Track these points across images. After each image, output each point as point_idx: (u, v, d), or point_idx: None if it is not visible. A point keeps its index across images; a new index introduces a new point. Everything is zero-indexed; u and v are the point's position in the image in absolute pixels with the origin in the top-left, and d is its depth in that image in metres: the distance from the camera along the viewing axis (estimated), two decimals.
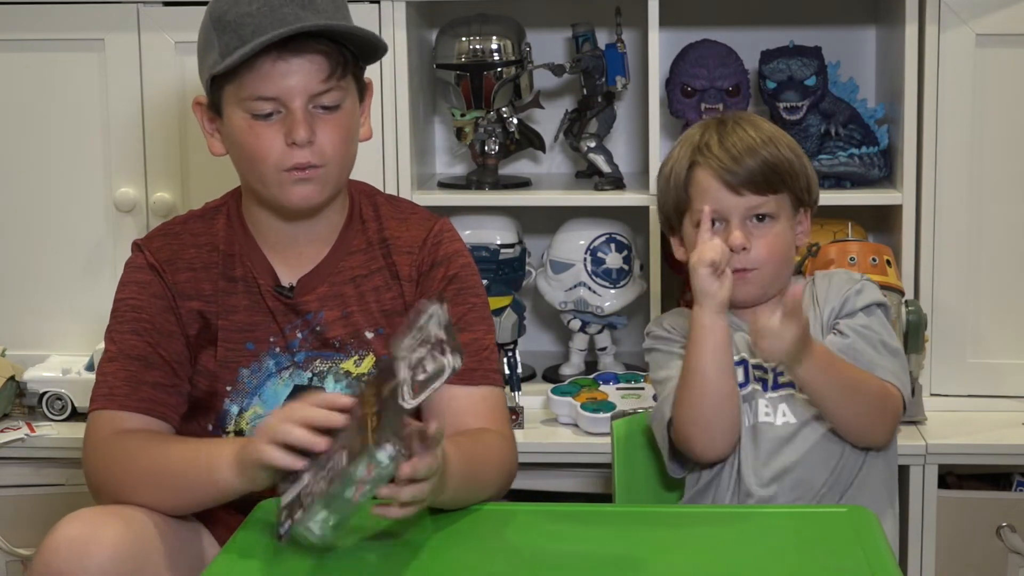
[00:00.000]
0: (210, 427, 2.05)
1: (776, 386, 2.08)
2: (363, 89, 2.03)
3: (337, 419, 1.72)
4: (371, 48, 1.99)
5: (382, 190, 2.59)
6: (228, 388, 2.03)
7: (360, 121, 2.04)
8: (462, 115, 2.77)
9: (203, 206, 2.11)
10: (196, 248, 2.05)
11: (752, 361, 2.09)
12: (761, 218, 2.07)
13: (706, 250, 2.02)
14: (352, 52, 1.97)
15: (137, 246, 2.06)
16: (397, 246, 2.06)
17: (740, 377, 2.07)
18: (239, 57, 1.89)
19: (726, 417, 2.04)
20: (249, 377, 2.03)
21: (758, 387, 2.08)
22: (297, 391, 2.01)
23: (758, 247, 2.06)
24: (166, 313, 2.02)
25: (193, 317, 2.03)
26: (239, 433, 2.04)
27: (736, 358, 2.07)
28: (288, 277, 2.04)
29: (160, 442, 1.93)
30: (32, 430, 2.60)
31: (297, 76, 1.92)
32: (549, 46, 2.88)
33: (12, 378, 2.67)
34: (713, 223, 2.06)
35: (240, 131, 1.96)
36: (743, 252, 2.05)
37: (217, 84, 1.96)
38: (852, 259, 2.51)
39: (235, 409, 2.04)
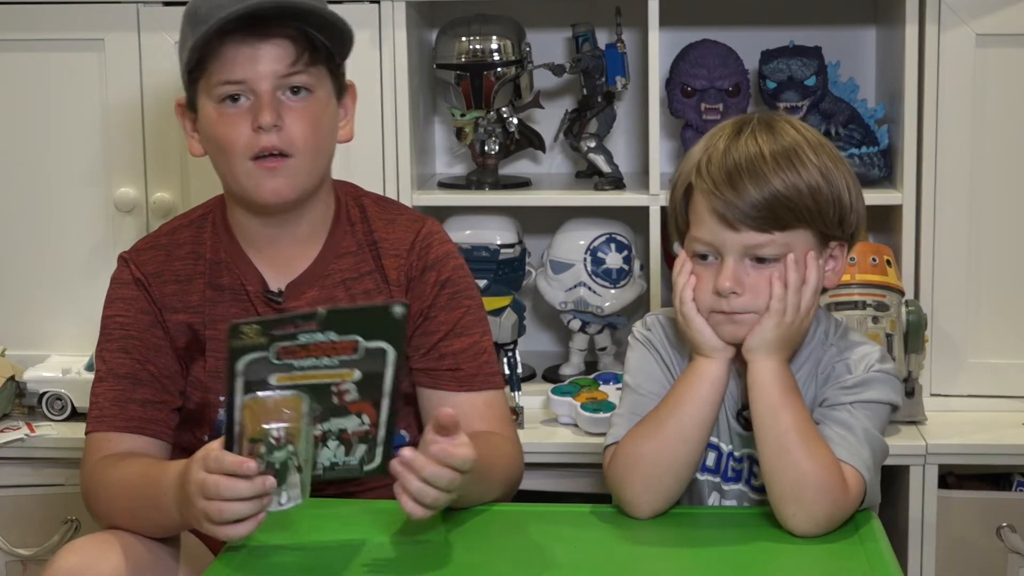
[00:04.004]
0: (206, 438, 2.05)
1: (738, 478, 1.90)
2: (343, 88, 2.02)
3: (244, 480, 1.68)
4: (339, 35, 1.97)
5: (381, 190, 2.61)
6: (221, 398, 2.03)
7: (341, 122, 2.02)
8: (462, 115, 2.77)
9: (188, 213, 2.10)
10: (182, 260, 2.04)
11: (727, 449, 1.89)
12: (762, 259, 1.80)
13: (685, 299, 1.81)
14: (326, 44, 1.96)
15: (123, 260, 2.05)
16: (385, 248, 2.04)
17: (710, 461, 1.89)
18: (199, 38, 1.90)
19: (679, 483, 1.84)
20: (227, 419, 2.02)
21: (718, 480, 1.90)
22: None
23: (754, 291, 1.80)
24: (154, 328, 2.01)
25: (181, 330, 2.02)
26: (227, 440, 2.02)
27: (711, 439, 1.87)
28: (276, 282, 2.03)
29: (132, 467, 1.91)
30: (32, 430, 2.60)
31: (263, 60, 1.92)
32: (549, 46, 2.88)
33: (12, 378, 2.67)
34: (706, 256, 1.82)
35: (211, 121, 1.96)
36: (733, 296, 1.80)
37: (192, 80, 1.97)
38: (852, 259, 2.50)
39: None
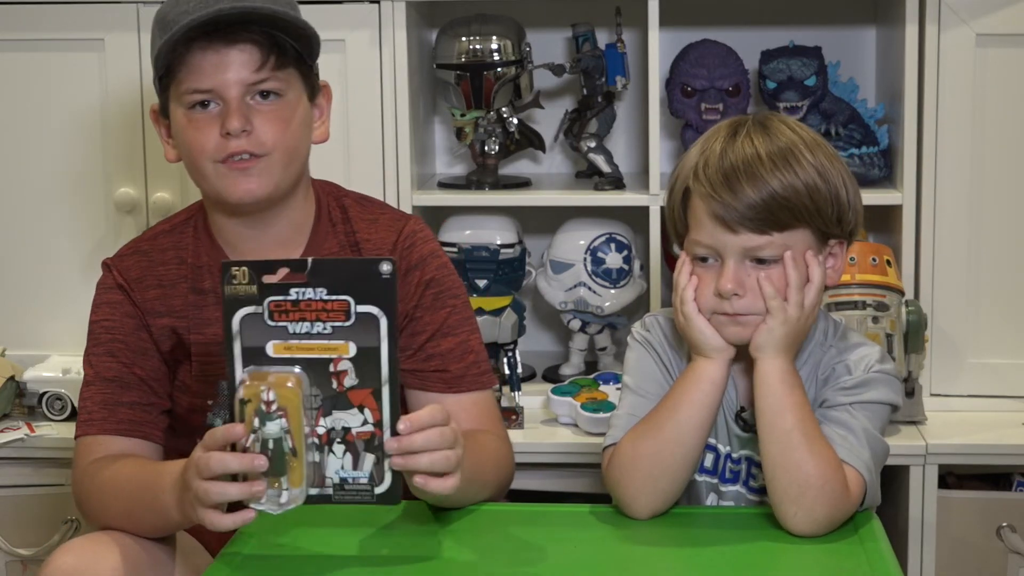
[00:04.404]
0: (198, 442, 2.05)
1: (736, 479, 1.90)
2: (315, 89, 2.02)
3: (238, 453, 1.67)
4: (304, 38, 1.96)
5: (381, 190, 2.61)
6: (209, 402, 2.03)
7: (316, 122, 2.02)
8: (462, 115, 2.77)
9: (171, 218, 2.10)
10: (165, 265, 2.03)
11: (724, 450, 1.89)
12: (762, 260, 1.79)
13: (686, 299, 1.80)
14: (295, 47, 1.96)
15: (106, 266, 2.05)
16: (368, 249, 2.03)
17: (708, 463, 1.89)
18: (163, 46, 1.89)
19: (677, 484, 1.83)
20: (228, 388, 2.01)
21: (716, 481, 1.90)
22: None
23: (756, 292, 1.79)
24: (139, 331, 2.01)
25: (165, 334, 2.02)
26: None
27: (709, 440, 1.86)
28: None
29: (124, 468, 1.91)
30: (32, 430, 2.60)
31: (230, 66, 1.92)
32: (549, 46, 2.88)
33: (12, 378, 2.67)
34: (706, 259, 1.82)
35: (181, 128, 1.96)
36: (735, 298, 1.79)
37: (163, 86, 1.97)
38: (852, 259, 2.50)
39: (218, 422, 2.03)
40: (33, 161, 2.71)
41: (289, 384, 1.65)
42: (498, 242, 2.71)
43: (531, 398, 2.67)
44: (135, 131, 2.68)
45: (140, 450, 1.97)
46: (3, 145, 2.72)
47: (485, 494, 1.91)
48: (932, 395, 2.63)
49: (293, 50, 1.96)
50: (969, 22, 2.55)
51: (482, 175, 2.76)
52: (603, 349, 2.82)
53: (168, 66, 1.93)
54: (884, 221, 2.74)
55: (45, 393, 2.65)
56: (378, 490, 1.71)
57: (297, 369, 1.67)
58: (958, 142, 2.58)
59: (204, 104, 1.93)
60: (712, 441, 1.89)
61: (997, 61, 2.57)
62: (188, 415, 2.04)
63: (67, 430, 2.59)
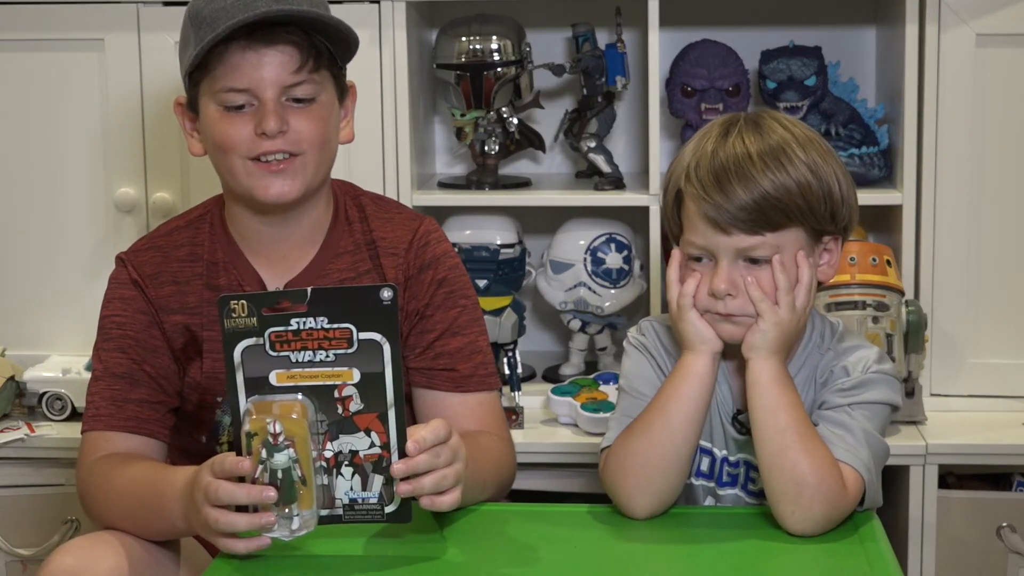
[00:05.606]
0: (204, 439, 2.05)
1: (733, 483, 1.89)
2: (344, 90, 2.02)
3: (246, 483, 1.68)
4: (343, 41, 1.97)
5: (381, 190, 2.61)
6: (219, 399, 2.03)
7: (341, 122, 2.02)
8: (462, 115, 2.77)
9: (186, 213, 2.10)
10: (179, 261, 2.03)
11: (720, 454, 1.89)
12: (755, 260, 1.78)
13: (686, 292, 1.79)
14: (329, 48, 1.96)
15: (121, 260, 2.05)
16: (383, 247, 2.04)
17: (704, 466, 1.89)
18: (205, 45, 1.89)
19: (672, 482, 1.82)
20: (232, 420, 2.02)
21: (713, 485, 1.90)
22: None
23: (749, 292, 1.78)
24: (151, 328, 2.01)
25: (178, 331, 2.01)
26: (232, 443, 2.02)
27: (704, 443, 1.87)
28: (274, 282, 2.02)
29: (132, 469, 1.90)
30: (32, 430, 2.60)
31: (268, 67, 1.92)
32: (549, 46, 2.88)
33: (12, 378, 2.67)
34: (700, 259, 1.81)
35: (212, 122, 1.95)
36: (728, 298, 1.79)
37: (194, 81, 1.96)
38: (852, 259, 2.50)
39: (227, 420, 2.03)
40: (33, 161, 2.71)
41: (294, 416, 1.66)
42: (498, 242, 2.71)
43: (531, 398, 2.67)
44: (135, 131, 2.68)
45: (146, 448, 1.97)
46: (3, 145, 2.72)
47: (484, 496, 1.91)
48: (932, 395, 2.63)
49: (328, 52, 1.96)
50: (969, 22, 2.55)
51: (482, 175, 2.76)
52: (603, 349, 2.82)
53: (203, 62, 1.93)
54: (884, 221, 2.74)
55: (45, 393, 2.65)
56: (388, 509, 1.72)
57: (300, 396, 1.67)
58: (958, 142, 2.58)
59: (240, 107, 1.93)
60: (707, 445, 1.88)
61: (997, 61, 2.57)
62: (198, 411, 2.04)
63: (67, 430, 2.60)
